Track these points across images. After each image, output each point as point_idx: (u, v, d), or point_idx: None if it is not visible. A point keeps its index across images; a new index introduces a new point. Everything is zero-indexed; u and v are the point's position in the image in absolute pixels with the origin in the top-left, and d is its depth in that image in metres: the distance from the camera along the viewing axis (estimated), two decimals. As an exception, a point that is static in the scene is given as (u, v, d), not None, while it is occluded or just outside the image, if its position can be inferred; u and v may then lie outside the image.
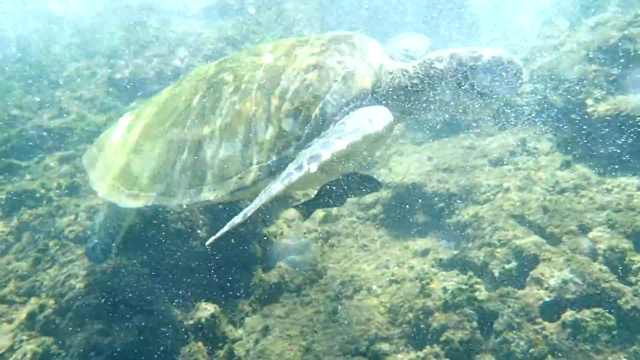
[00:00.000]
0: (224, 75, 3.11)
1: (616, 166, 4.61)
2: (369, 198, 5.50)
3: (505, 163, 5.21)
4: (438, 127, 6.23)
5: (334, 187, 3.00)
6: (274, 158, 2.73)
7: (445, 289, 3.80)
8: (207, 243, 2.39)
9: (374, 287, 4.26)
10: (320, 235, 5.10)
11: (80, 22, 8.14)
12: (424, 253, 4.55)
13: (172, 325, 3.56)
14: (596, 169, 4.73)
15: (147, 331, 3.47)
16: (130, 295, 3.59)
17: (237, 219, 2.38)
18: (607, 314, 3.23)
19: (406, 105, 2.99)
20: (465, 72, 2.74)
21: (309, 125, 2.73)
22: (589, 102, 5.04)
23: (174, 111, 3.20)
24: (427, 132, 6.34)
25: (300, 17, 7.07)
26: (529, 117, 5.72)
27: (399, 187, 5.26)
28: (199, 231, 4.13)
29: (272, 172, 2.71)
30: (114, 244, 3.90)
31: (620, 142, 4.66)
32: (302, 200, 3.34)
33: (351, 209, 5.49)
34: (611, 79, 5.06)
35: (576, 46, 5.95)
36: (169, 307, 3.69)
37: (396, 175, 5.47)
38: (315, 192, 3.07)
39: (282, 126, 2.75)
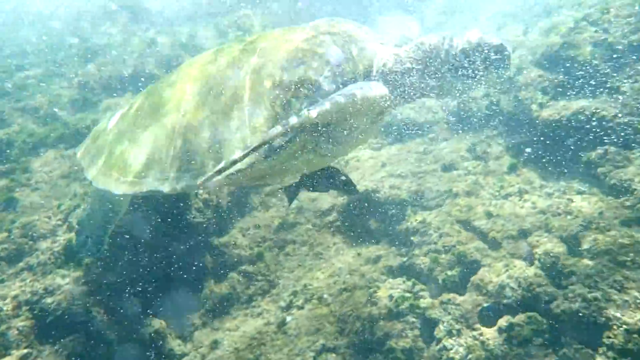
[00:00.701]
0: (218, 62, 3.13)
1: (559, 169, 4.77)
2: (326, 204, 5.55)
3: (456, 168, 5.32)
4: (395, 133, 6.31)
5: (318, 175, 3.17)
6: (266, 140, 2.74)
7: (391, 297, 3.87)
8: (198, 182, 2.40)
9: (326, 295, 4.31)
10: (276, 243, 5.12)
11: (48, 23, 7.86)
12: (376, 260, 4.61)
13: (109, 344, 3.52)
14: (541, 172, 4.88)
15: (79, 352, 3.42)
16: (63, 315, 3.52)
17: (238, 154, 2.42)
18: (539, 318, 3.34)
19: (399, 90, 2.99)
20: (457, 54, 2.79)
21: (301, 107, 2.75)
22: (534, 107, 5.19)
23: (169, 99, 3.22)
24: (385, 137, 6.42)
25: (258, 22, 7.06)
26: (481, 121, 5.86)
27: (353, 194, 5.30)
28: (140, 247, 4.09)
29: (267, 155, 2.75)
30: (106, 237, 3.90)
31: (562, 147, 4.81)
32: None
33: (307, 216, 5.52)
34: (555, 84, 5.21)
35: (525, 51, 6.12)
36: (108, 325, 3.65)
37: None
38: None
39: (276, 109, 2.78)
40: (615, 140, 4.45)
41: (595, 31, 5.26)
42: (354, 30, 3.07)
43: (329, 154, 3.00)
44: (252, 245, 4.93)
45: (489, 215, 4.38)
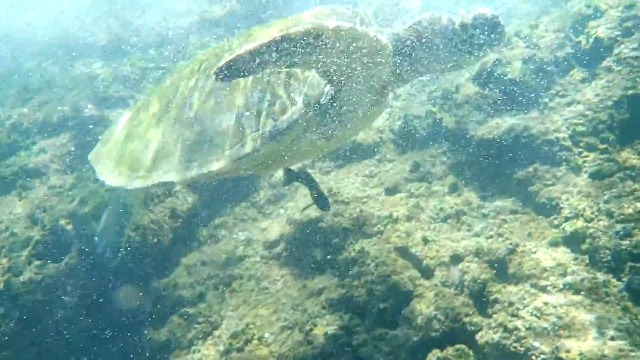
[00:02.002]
0: (218, 56, 3.22)
1: (496, 189, 4.81)
2: (274, 235, 5.53)
3: (399, 191, 5.33)
4: (343, 156, 6.31)
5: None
6: (273, 123, 2.82)
7: (326, 335, 3.85)
8: (213, 71, 2.30)
9: (267, 334, 4.27)
10: (222, 280, 5.08)
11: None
12: (319, 292, 4.59)
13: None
14: (480, 192, 4.92)
15: None
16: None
17: (249, 46, 2.22)
18: (466, 350, 3.34)
19: (399, 69, 3.00)
20: (456, 30, 2.83)
21: (304, 91, 2.80)
22: (471, 125, 5.24)
23: (174, 96, 3.32)
24: (334, 160, 6.41)
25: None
26: (426, 140, 5.88)
27: (300, 222, 5.29)
28: (65, 298, 4.01)
29: (273, 137, 2.81)
30: (122, 242, 4.08)
31: (498, 165, 4.85)
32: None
33: (256, 248, 5.49)
34: (490, 102, 5.27)
35: (465, 68, 6.18)
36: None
37: (297, 210, 5.50)
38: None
39: (278, 93, 2.85)
40: (544, 158, 4.49)
41: (526, 47, 5.33)
42: (352, 16, 3.04)
43: (334, 136, 3.03)
44: (195, 284, 4.88)
45: (425, 241, 4.39)
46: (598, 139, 4.29)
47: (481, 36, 2.79)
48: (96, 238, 4.32)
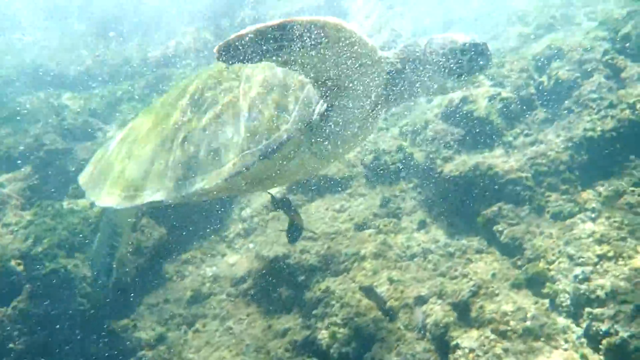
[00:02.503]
0: (211, 76, 3.27)
1: (463, 227, 4.81)
2: (242, 271, 5.42)
3: (368, 226, 5.30)
4: (315, 189, 6.29)
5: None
6: (265, 142, 2.84)
7: (286, 381, 3.72)
8: (214, 49, 2.19)
9: (227, 379, 4.13)
10: (185, 319, 4.92)
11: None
12: (283, 334, 4.48)
13: None
14: (448, 229, 4.91)
15: None
16: None
17: (254, 26, 2.17)
18: (426, 399, 3.25)
19: (389, 90, 3.02)
20: (445, 54, 2.89)
21: (296, 108, 2.85)
22: (438, 161, 5.27)
23: (166, 115, 3.35)
24: (305, 194, 6.38)
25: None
26: (397, 174, 5.90)
27: (268, 258, 5.20)
28: (10, 345, 3.83)
29: (265, 155, 2.84)
30: (114, 264, 4.11)
31: (465, 203, 4.87)
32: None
33: (223, 285, 5.37)
34: (457, 138, 5.33)
35: (435, 102, 6.28)
36: None
37: (266, 245, 5.42)
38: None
39: (271, 112, 2.88)
40: (508, 196, 4.52)
41: (491, 85, 5.44)
42: None
43: (325, 155, 3.07)
44: (156, 325, 4.72)
45: (391, 280, 4.33)
46: (560, 180, 4.34)
47: (469, 61, 2.87)
48: (88, 262, 4.33)
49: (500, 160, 4.75)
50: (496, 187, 4.61)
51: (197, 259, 5.86)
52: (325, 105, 2.77)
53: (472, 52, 2.86)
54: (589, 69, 4.84)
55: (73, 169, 5.44)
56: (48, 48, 7.51)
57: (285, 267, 5.01)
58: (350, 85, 2.65)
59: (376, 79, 2.71)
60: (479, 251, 4.44)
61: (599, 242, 3.76)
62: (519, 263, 4.06)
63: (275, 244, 5.34)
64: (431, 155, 5.41)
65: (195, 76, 3.58)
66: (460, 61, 2.86)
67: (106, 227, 4.23)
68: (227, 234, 6.17)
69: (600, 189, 4.21)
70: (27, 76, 6.98)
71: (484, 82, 5.54)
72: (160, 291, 5.28)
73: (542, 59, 5.39)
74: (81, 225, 4.59)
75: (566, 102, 4.78)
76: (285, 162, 3.00)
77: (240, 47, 2.14)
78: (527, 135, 4.92)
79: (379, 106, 3.06)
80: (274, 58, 2.28)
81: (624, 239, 3.70)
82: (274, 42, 2.17)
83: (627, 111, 4.33)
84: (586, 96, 4.61)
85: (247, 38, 2.12)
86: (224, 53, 2.14)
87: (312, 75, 2.53)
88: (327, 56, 2.37)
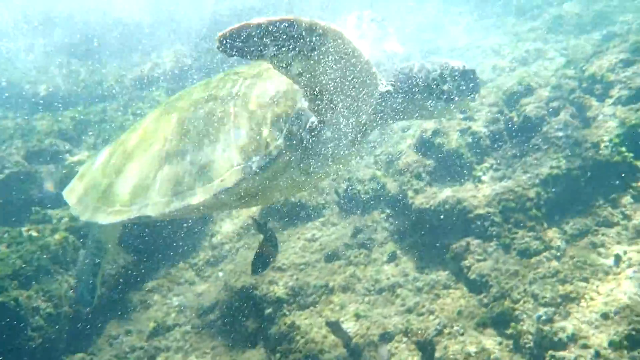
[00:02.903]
0: (202, 92, 3.27)
1: (432, 260, 4.78)
2: (209, 301, 5.27)
3: (339, 257, 5.23)
4: (287, 218, 6.21)
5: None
6: (255, 158, 2.84)
7: (244, 423, 3.58)
8: (216, 37, 2.14)
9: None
10: (146, 353, 4.74)
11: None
12: (247, 369, 4.34)
13: None
14: (417, 262, 4.87)
15: None
16: None
17: (258, 19, 2.13)
18: None
19: (380, 111, 3.07)
20: (436, 80, 2.95)
21: (286, 126, 2.85)
22: (410, 193, 5.27)
23: (154, 131, 3.33)
24: (278, 220, 6.30)
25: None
26: (370, 204, 5.88)
27: (235, 289, 5.07)
28: None
29: (255, 172, 2.84)
30: (97, 281, 4.11)
31: (435, 236, 4.85)
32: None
33: (188, 316, 5.20)
34: (429, 170, 5.35)
35: (409, 132, 6.33)
36: None
37: (235, 275, 5.30)
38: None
39: (262, 129, 2.88)
40: (476, 231, 4.53)
41: (463, 118, 5.51)
42: None
43: (314, 173, 3.08)
44: (114, 359, 4.53)
45: (357, 316, 4.26)
46: (526, 217, 4.37)
47: (459, 87, 2.94)
48: (75, 282, 4.32)
49: (469, 194, 4.77)
50: (465, 221, 4.62)
51: (164, 287, 5.69)
52: (316, 120, 2.79)
53: (463, 78, 2.94)
54: (557, 107, 4.93)
55: (36, 193, 5.27)
56: (23, 65, 7.36)
57: (253, 299, 4.89)
58: (343, 99, 2.66)
59: (368, 95, 2.72)
60: (446, 286, 4.41)
61: (563, 281, 3.77)
62: (485, 301, 4.03)
63: (243, 274, 5.22)
64: (403, 187, 5.41)
65: (185, 91, 3.59)
66: (451, 86, 2.93)
67: (91, 243, 4.20)
68: (196, 261, 6.03)
69: (566, 227, 4.25)
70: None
71: (457, 115, 5.61)
72: (122, 322, 5.09)
73: (512, 94, 5.49)
74: (39, 254, 4.41)
75: (534, 138, 4.85)
76: (275, 179, 3.01)
77: (243, 38, 2.13)
78: (496, 169, 4.97)
79: (369, 126, 3.08)
80: (272, 57, 2.25)
81: (586, 279, 3.71)
82: (275, 39, 2.17)
83: (592, 150, 4.41)
84: (553, 134, 4.69)
85: (251, 29, 2.10)
86: (226, 41, 2.12)
87: (307, 84, 2.53)
88: (324, 63, 2.37)
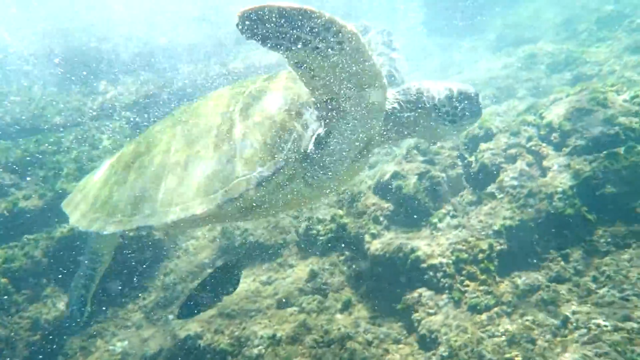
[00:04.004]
0: (206, 105, 3.29)
1: (386, 310, 4.60)
2: (154, 349, 5.00)
3: (292, 304, 5.02)
4: (243, 254, 6.01)
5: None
6: (259, 169, 2.82)
7: None
8: (238, 12, 2.11)
9: None
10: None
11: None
12: None
13: None
14: (372, 311, 4.69)
15: None
16: None
17: (280, 2, 2.09)
18: None
19: (385, 127, 3.09)
20: (443, 101, 3.02)
21: (291, 138, 2.84)
22: (367, 237, 5.12)
23: (157, 143, 3.33)
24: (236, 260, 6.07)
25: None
26: (330, 245, 5.70)
27: (179, 337, 4.82)
28: None
29: (259, 183, 2.80)
30: (89, 296, 4.18)
31: (391, 284, 4.68)
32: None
33: (131, 365, 4.92)
34: (387, 214, 5.22)
35: (370, 173, 6.22)
36: None
37: (180, 321, 5.04)
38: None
39: (267, 141, 2.86)
40: (429, 283, 4.37)
41: (423, 161, 5.43)
42: None
43: (319, 186, 3.06)
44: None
45: (301, 372, 4.03)
46: (478, 269, 4.23)
47: (462, 110, 3.00)
48: (68, 298, 4.39)
49: (424, 242, 4.64)
50: (419, 271, 4.47)
51: (108, 331, 5.40)
52: (323, 131, 2.79)
53: (466, 101, 3.01)
54: (514, 154, 4.88)
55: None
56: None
57: (197, 349, 4.64)
58: (352, 109, 2.64)
59: (377, 108, 2.70)
60: (396, 341, 4.22)
61: (510, 342, 3.61)
62: (434, 359, 3.85)
63: (190, 321, 4.98)
64: (361, 230, 5.26)
65: (189, 105, 3.58)
66: (454, 108, 2.99)
67: (86, 255, 4.24)
68: (146, 302, 5.76)
69: (518, 281, 4.12)
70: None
71: (417, 157, 5.53)
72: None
73: (472, 138, 5.43)
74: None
75: (490, 186, 4.77)
76: (279, 191, 2.98)
77: (263, 22, 2.10)
78: (453, 216, 4.85)
79: (374, 141, 3.07)
80: (287, 49, 2.22)
81: (533, 341, 3.56)
82: (294, 28, 2.14)
83: (545, 202, 4.33)
84: (508, 183, 4.61)
85: (272, 10, 2.07)
86: (246, 22, 2.08)
87: (318, 87, 2.51)
88: (337, 66, 2.34)
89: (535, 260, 4.22)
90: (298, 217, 6.38)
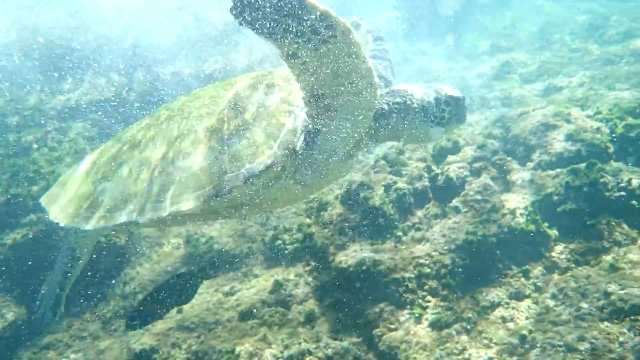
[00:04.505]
0: (195, 101, 3.25)
1: (348, 324, 4.53)
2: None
3: (254, 316, 4.90)
4: (207, 265, 5.86)
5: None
6: (247, 166, 2.80)
7: None
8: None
9: None
10: None
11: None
12: None
13: None
14: (334, 324, 4.61)
15: None
16: None
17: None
18: None
19: (372, 128, 3.07)
20: (431, 103, 3.04)
21: (280, 136, 2.83)
22: (332, 249, 5.05)
23: (144, 138, 3.27)
24: (200, 268, 5.92)
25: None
26: (296, 255, 5.60)
27: (134, 351, 4.65)
28: None
29: (247, 180, 2.79)
30: (64, 294, 4.19)
31: (354, 298, 4.62)
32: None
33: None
34: (353, 225, 5.15)
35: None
36: None
37: (136, 334, 4.86)
38: None
39: (256, 137, 2.85)
40: (391, 297, 4.33)
41: (390, 172, 5.38)
42: None
43: (307, 184, 3.04)
44: None
45: (257, 391, 3.93)
46: (440, 284, 4.21)
47: (450, 113, 3.04)
48: (36, 303, 4.23)
49: (388, 255, 4.59)
50: (381, 285, 4.42)
51: (62, 342, 5.18)
52: (312, 129, 2.78)
53: (454, 104, 3.04)
54: (479, 168, 4.87)
55: None
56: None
57: (152, 365, 4.48)
58: (342, 106, 2.62)
59: (366, 108, 2.68)
60: (356, 357, 4.15)
61: (468, 361, 3.59)
62: (392, 377, 3.80)
63: (147, 333, 4.81)
64: (326, 241, 5.18)
65: (177, 100, 3.53)
66: (442, 111, 3.03)
67: (64, 252, 4.18)
68: (105, 311, 5.55)
69: (479, 296, 4.11)
70: None
71: (385, 168, 5.48)
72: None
73: (440, 150, 5.42)
74: None
75: (455, 200, 4.75)
76: (267, 189, 2.97)
77: (257, 8, 2.07)
78: (417, 229, 4.82)
79: (362, 141, 3.08)
80: (280, 39, 2.19)
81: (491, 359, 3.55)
82: (287, 17, 2.11)
83: (508, 217, 4.33)
84: (472, 197, 4.60)
85: None
86: (240, 5, 2.08)
87: (309, 82, 2.48)
88: (329, 60, 2.32)
89: (496, 276, 4.21)
90: (265, 225, 6.27)
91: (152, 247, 6.57)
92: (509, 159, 4.91)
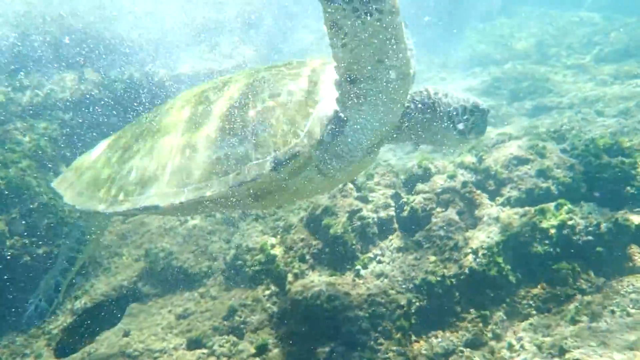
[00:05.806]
0: (219, 88, 3.19)
1: (304, 357, 4.30)
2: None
3: (204, 344, 4.68)
4: (170, 281, 5.63)
5: None
6: (273, 154, 2.76)
7: None
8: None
9: None
10: None
11: None
12: None
13: None
14: (288, 358, 4.39)
15: None
16: None
17: None
18: None
19: (397, 126, 3.03)
20: (456, 109, 2.99)
21: (308, 124, 2.78)
22: (290, 277, 4.82)
23: (165, 124, 3.25)
24: (155, 286, 5.69)
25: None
26: (256, 277, 5.36)
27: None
28: None
29: (272, 168, 2.75)
30: (65, 282, 4.10)
31: (306, 333, 4.39)
32: None
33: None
34: (313, 253, 4.92)
35: (304, 204, 5.90)
36: None
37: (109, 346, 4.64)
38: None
39: (282, 125, 2.81)
40: (343, 337, 4.10)
41: (356, 197, 5.14)
42: None
43: (330, 175, 3.00)
44: None
45: None
46: (394, 326, 3.98)
47: (472, 123, 2.98)
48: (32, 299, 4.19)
49: (344, 290, 4.36)
50: (335, 321, 4.19)
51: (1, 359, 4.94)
52: (340, 117, 2.74)
53: (478, 115, 2.98)
54: (446, 200, 4.64)
55: None
56: None
57: (90, 392, 4.26)
58: (373, 96, 2.59)
59: (397, 99, 2.63)
60: (301, 399, 3.94)
61: (412, 417, 3.37)
62: None
63: (96, 351, 4.58)
64: (285, 268, 4.95)
65: (205, 84, 3.48)
66: (466, 120, 2.97)
67: (72, 236, 4.15)
68: (52, 327, 5.31)
69: (434, 341, 3.89)
70: None
71: (352, 192, 5.24)
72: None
73: (410, 177, 5.18)
74: None
75: (418, 234, 4.52)
76: (291, 178, 2.92)
77: None
78: (379, 262, 4.59)
79: (386, 138, 3.05)
80: (328, 2, 2.16)
81: (435, 418, 3.33)
82: None
83: (470, 257, 4.11)
84: (435, 232, 4.38)
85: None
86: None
87: (348, 60, 2.41)
88: (372, 36, 2.26)
89: (454, 319, 4.00)
90: (229, 242, 6.04)
91: (111, 257, 6.34)
92: (479, 192, 4.68)
